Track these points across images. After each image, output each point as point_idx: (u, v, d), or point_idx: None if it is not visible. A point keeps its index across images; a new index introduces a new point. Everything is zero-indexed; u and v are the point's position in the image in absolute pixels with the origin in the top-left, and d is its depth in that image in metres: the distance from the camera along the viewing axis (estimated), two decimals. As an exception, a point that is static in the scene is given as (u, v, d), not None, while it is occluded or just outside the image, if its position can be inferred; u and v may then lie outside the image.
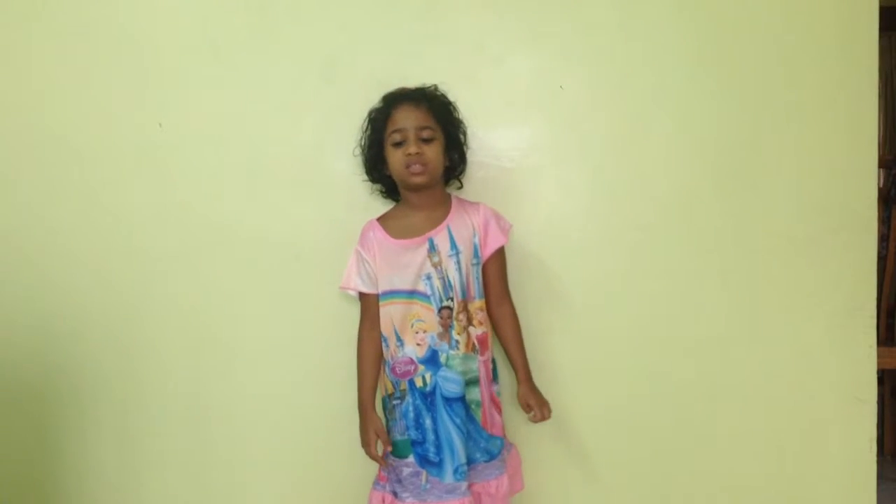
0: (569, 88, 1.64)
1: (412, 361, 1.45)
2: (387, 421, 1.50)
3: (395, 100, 1.47)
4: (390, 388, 1.49)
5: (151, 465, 1.68)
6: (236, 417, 1.67)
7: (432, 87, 1.51)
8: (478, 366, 1.47)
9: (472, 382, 1.46)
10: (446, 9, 1.64)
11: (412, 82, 1.61)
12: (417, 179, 1.44)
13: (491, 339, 1.53)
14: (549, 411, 1.49)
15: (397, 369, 1.47)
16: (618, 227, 1.65)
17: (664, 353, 1.65)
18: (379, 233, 1.50)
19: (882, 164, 2.80)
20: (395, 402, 1.47)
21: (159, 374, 1.68)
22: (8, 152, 1.68)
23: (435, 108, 1.48)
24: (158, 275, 1.67)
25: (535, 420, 1.49)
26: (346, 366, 1.64)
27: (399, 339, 1.47)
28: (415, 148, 1.42)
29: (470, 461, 1.45)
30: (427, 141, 1.44)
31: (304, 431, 1.67)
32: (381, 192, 1.59)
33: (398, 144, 1.44)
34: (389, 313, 1.47)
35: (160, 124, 1.66)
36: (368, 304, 1.51)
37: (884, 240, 2.66)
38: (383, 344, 1.49)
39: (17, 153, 1.68)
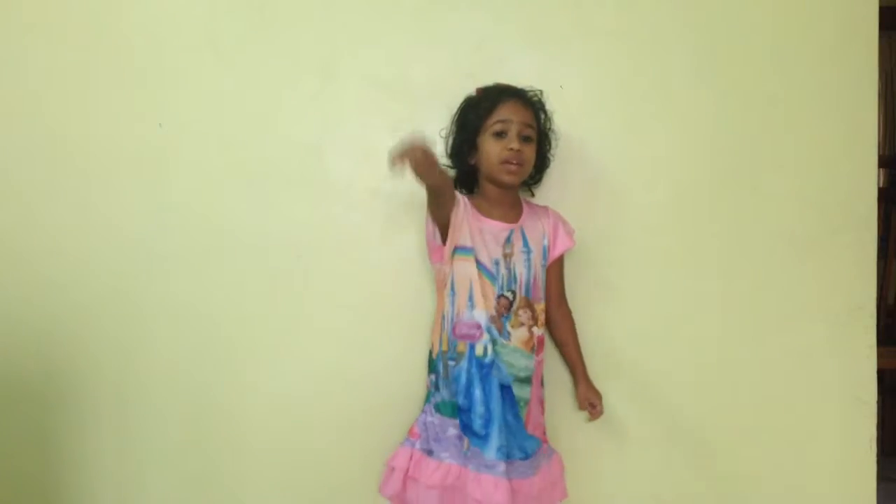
0: (569, 88, 1.64)
1: (479, 326, 1.43)
2: (437, 378, 1.47)
3: (504, 92, 1.47)
4: (445, 347, 1.46)
5: (152, 465, 1.68)
6: (237, 417, 1.67)
7: (538, 92, 1.52)
8: (534, 365, 1.47)
9: (525, 381, 1.46)
10: (446, 9, 1.64)
11: (412, 82, 1.62)
12: (509, 179, 1.45)
13: (546, 342, 1.54)
14: (600, 407, 1.54)
15: (458, 330, 1.44)
16: (616, 226, 1.65)
17: (663, 354, 1.65)
18: (469, 205, 1.47)
19: (882, 163, 2.81)
20: (450, 362, 1.45)
21: (160, 374, 1.67)
22: (7, 152, 1.68)
23: (538, 112, 1.50)
24: (158, 275, 1.67)
25: (594, 417, 1.54)
26: (347, 365, 1.65)
27: (472, 298, 1.44)
28: (517, 144, 1.43)
29: (508, 456, 1.44)
30: (526, 140, 1.45)
31: (306, 431, 1.66)
32: (454, 180, 1.55)
33: (499, 135, 1.44)
34: (465, 272, 1.44)
35: (160, 124, 1.66)
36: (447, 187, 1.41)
37: (884, 240, 2.66)
38: (451, 297, 1.46)
39: (17, 153, 1.68)
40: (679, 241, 1.65)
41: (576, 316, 1.60)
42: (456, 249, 1.45)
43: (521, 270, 1.46)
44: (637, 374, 1.65)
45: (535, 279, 1.48)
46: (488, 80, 1.52)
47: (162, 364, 1.67)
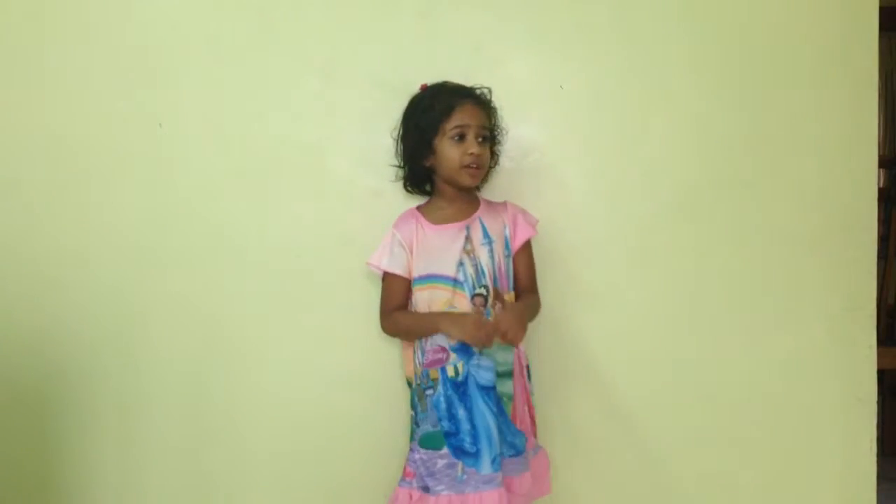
0: (569, 88, 1.64)
1: (443, 349, 1.44)
2: (416, 413, 1.47)
3: (458, 94, 1.47)
4: (420, 378, 1.47)
5: (152, 466, 1.68)
6: (237, 417, 1.67)
7: (487, 90, 1.52)
8: (513, 359, 1.47)
9: (506, 375, 1.45)
10: (446, 9, 1.64)
11: (412, 82, 1.61)
12: (471, 181, 1.47)
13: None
14: (510, 335, 1.38)
15: (429, 357, 1.45)
16: (617, 226, 1.65)
17: (663, 354, 1.65)
18: (421, 220, 1.51)
19: (882, 163, 2.81)
20: (427, 391, 1.45)
21: (160, 374, 1.67)
22: (8, 152, 1.68)
23: (491, 112, 1.51)
24: (158, 274, 1.67)
25: (500, 324, 1.39)
26: (347, 365, 1.65)
27: None
28: (477, 148, 1.44)
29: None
30: (483, 141, 1.47)
31: (306, 431, 1.67)
32: (405, 180, 1.56)
33: (459, 139, 1.45)
34: (425, 298, 1.47)
35: (160, 124, 1.66)
36: (393, 289, 1.50)
37: (884, 240, 2.66)
38: None
39: (17, 153, 1.68)
40: (678, 241, 1.65)
41: (576, 315, 1.60)
42: (414, 280, 1.48)
43: (486, 262, 1.47)
44: (636, 374, 1.65)
45: (500, 269, 1.48)
46: (488, 80, 1.52)
47: (162, 364, 1.67)
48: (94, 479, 1.69)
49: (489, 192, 1.59)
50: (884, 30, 1.66)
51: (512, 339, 1.39)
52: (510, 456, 1.45)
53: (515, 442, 1.46)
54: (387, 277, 1.51)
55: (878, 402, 1.67)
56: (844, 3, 1.63)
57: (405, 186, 1.57)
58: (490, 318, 1.43)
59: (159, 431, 1.68)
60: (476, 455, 1.41)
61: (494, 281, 1.47)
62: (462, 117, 1.44)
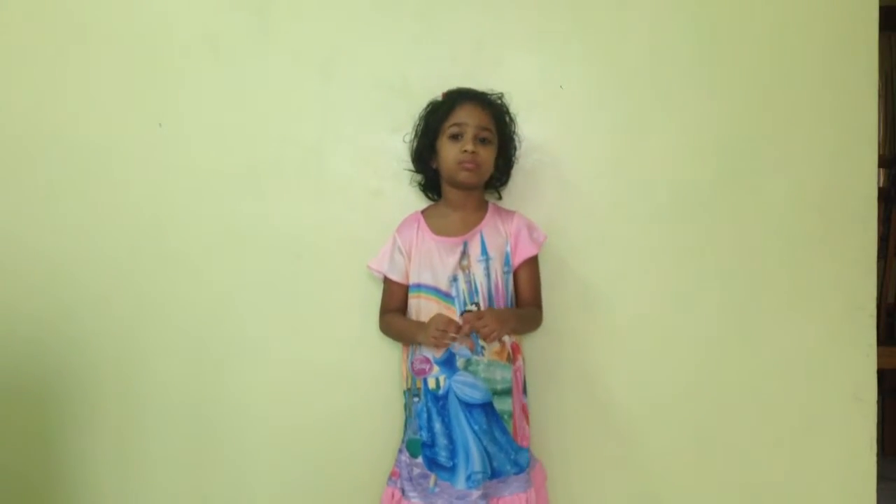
0: (569, 88, 1.64)
1: (428, 360, 1.44)
2: (406, 416, 1.49)
3: (461, 96, 1.48)
4: (409, 384, 1.48)
5: (153, 466, 1.68)
6: (237, 417, 1.67)
7: (499, 95, 1.52)
8: (511, 375, 1.45)
9: (504, 392, 1.44)
10: (446, 9, 1.65)
11: (412, 82, 1.62)
12: (467, 177, 1.45)
13: (522, 349, 1.51)
14: (485, 330, 1.36)
15: (415, 365, 1.46)
16: (617, 226, 1.65)
17: (664, 354, 1.65)
18: (422, 225, 1.51)
19: (882, 163, 2.81)
20: (414, 398, 1.46)
21: (160, 374, 1.67)
22: (8, 152, 1.68)
23: (497, 114, 1.50)
24: (158, 274, 1.67)
25: (476, 317, 1.38)
26: (347, 365, 1.65)
27: None
28: (471, 146, 1.44)
29: (500, 473, 1.42)
30: (483, 142, 1.46)
31: (305, 431, 1.67)
32: (420, 184, 1.59)
33: (455, 138, 1.45)
34: (415, 306, 1.48)
35: (160, 124, 1.66)
36: (392, 292, 1.52)
37: (884, 240, 2.66)
38: None
39: (17, 153, 1.68)
40: (679, 241, 1.65)
41: (576, 315, 1.60)
42: (409, 287, 1.49)
43: (481, 280, 1.46)
44: (635, 373, 1.65)
45: (496, 287, 1.47)
46: (488, 80, 1.53)
47: (162, 363, 1.67)
48: (94, 479, 1.69)
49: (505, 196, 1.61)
50: (884, 30, 1.66)
51: (487, 334, 1.37)
52: (515, 473, 1.44)
53: (519, 459, 1.44)
54: (386, 281, 1.53)
55: (878, 402, 1.67)
56: (844, 3, 1.63)
57: (425, 192, 1.59)
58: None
59: (158, 431, 1.68)
60: (452, 470, 1.41)
61: (490, 299, 1.46)
62: (459, 116, 1.45)
